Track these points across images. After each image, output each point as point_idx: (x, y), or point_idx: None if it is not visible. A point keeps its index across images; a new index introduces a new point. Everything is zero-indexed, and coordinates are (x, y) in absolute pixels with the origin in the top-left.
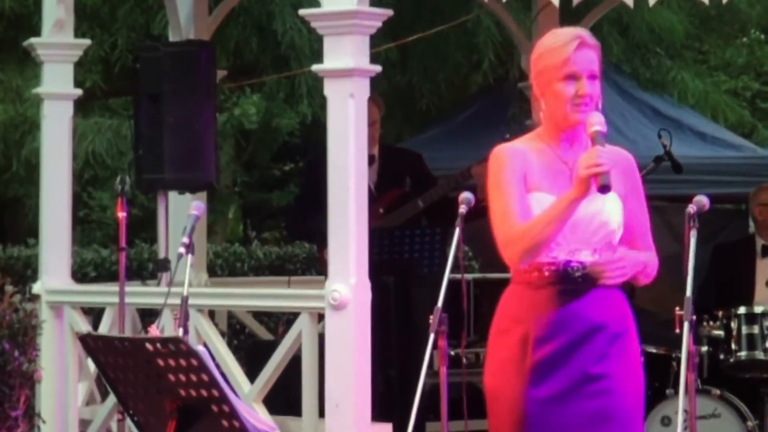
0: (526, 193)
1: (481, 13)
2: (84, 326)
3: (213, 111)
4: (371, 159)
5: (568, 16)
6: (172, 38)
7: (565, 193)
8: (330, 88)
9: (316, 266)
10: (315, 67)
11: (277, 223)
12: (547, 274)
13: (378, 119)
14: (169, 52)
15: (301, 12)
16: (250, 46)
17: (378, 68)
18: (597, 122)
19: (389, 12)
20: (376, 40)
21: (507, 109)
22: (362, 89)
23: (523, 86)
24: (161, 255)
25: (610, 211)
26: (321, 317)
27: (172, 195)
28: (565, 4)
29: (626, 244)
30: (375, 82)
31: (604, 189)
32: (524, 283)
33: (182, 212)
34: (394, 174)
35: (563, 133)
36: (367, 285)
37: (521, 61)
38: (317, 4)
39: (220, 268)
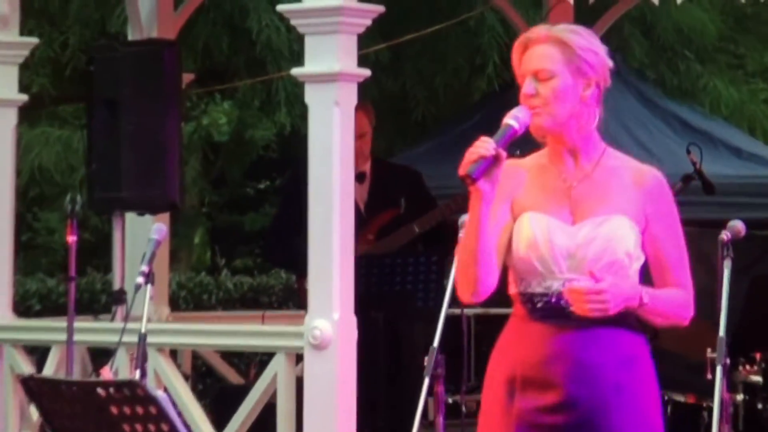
0: (499, 215)
1: (485, 9)
2: (26, 367)
3: (178, 120)
4: (361, 176)
5: (584, 14)
6: (131, 37)
7: None
8: (312, 95)
9: (294, 299)
10: (295, 71)
11: (251, 249)
12: (539, 306)
13: (369, 131)
14: (128, 53)
15: (280, 8)
16: (221, 46)
17: (367, 72)
18: (512, 115)
19: (380, 8)
20: (365, 40)
21: None
22: (349, 96)
23: None
24: (116, 286)
25: (615, 237)
26: (299, 358)
27: (130, 216)
28: (581, 1)
29: (656, 279)
30: (364, 88)
31: (467, 180)
32: (517, 315)
33: (141, 236)
34: (387, 194)
35: (557, 147)
36: (352, 321)
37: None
38: None
39: (184, 300)
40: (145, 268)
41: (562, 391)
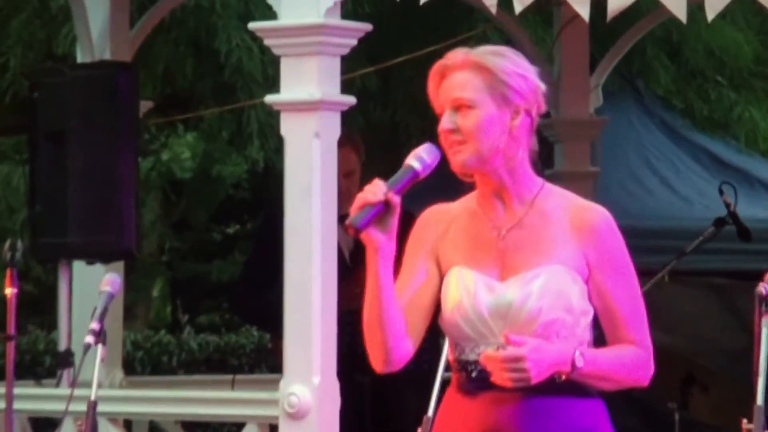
0: (417, 270)
1: (488, 28)
2: None
3: (134, 155)
4: (345, 219)
5: (601, 33)
6: (81, 59)
7: None
8: (288, 126)
9: (268, 361)
10: (269, 98)
11: (218, 303)
12: (474, 375)
13: (358, 168)
14: (77, 77)
15: (252, 26)
16: (184, 70)
17: (352, 100)
18: (416, 154)
19: (367, 26)
20: (350, 62)
21: None
22: (331, 127)
23: (542, 124)
24: (62, 346)
25: (550, 292)
26: (274, 429)
27: (78, 266)
28: (598, 18)
29: (608, 335)
30: (348, 118)
31: (350, 230)
32: (454, 385)
33: (91, 289)
34: None
35: (484, 189)
36: (335, 386)
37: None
38: (273, 16)
39: (140, 363)
40: (95, 325)
41: None
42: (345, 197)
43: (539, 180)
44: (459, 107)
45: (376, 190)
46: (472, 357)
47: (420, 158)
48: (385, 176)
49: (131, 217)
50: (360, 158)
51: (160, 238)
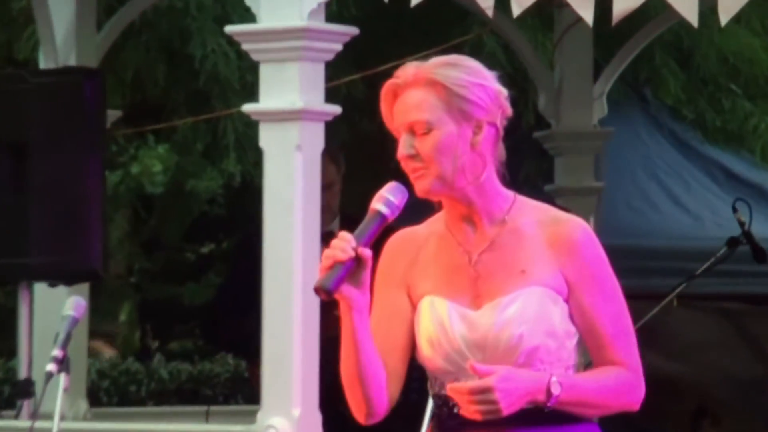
0: (388, 308)
1: (484, 32)
2: None
3: (101, 168)
4: (328, 237)
5: (606, 38)
6: (44, 65)
7: None
8: (268, 138)
9: (244, 391)
10: (247, 108)
11: (190, 328)
12: (455, 411)
13: (338, 180)
14: (40, 85)
15: (228, 29)
16: (156, 77)
17: (337, 109)
18: (381, 197)
19: (353, 30)
20: (334, 69)
21: (518, 167)
22: (314, 139)
23: (542, 136)
24: (22, 374)
25: (529, 318)
26: None
27: (40, 288)
28: (602, 22)
29: (593, 357)
30: (332, 128)
31: (321, 294)
32: (437, 423)
33: (53, 313)
34: None
35: (451, 211)
36: (317, 418)
37: (539, 99)
38: (251, 19)
39: (106, 393)
40: (58, 352)
41: None
42: (325, 211)
43: (509, 194)
44: (416, 130)
45: (344, 245)
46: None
47: (386, 201)
48: (373, 190)
49: (97, 236)
50: (339, 170)
51: (128, 258)
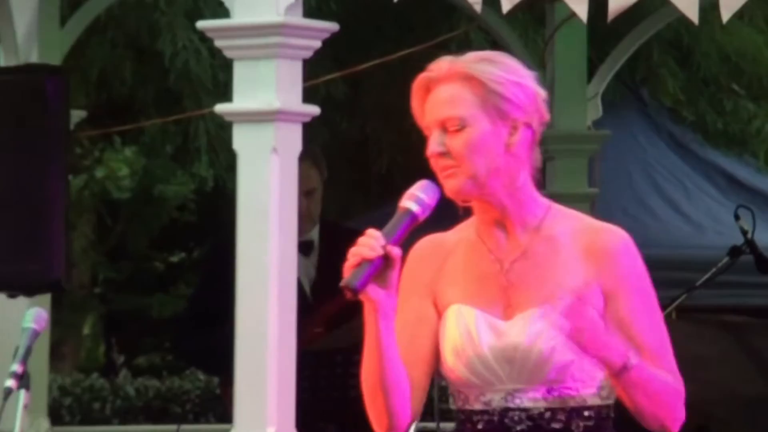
0: (413, 316)
1: (471, 28)
2: None
3: (63, 172)
4: (307, 247)
5: (601, 35)
6: (3, 62)
7: None
8: (242, 140)
9: (216, 409)
10: (219, 108)
11: (159, 342)
12: (480, 427)
13: (318, 186)
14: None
15: (200, 24)
16: (123, 75)
17: (316, 110)
18: (412, 195)
19: (333, 26)
20: (313, 67)
21: None
22: (291, 141)
23: None
24: None
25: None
26: None
27: None
28: (597, 18)
29: None
30: (311, 130)
31: (347, 292)
32: None
33: (13, 325)
34: (340, 270)
35: (483, 216)
36: None
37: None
38: (225, 14)
39: (68, 410)
40: (17, 367)
41: None
42: (305, 219)
43: (545, 202)
44: (448, 127)
45: (372, 243)
46: (477, 406)
47: (417, 199)
48: (352, 196)
49: (60, 244)
50: (322, 175)
51: (92, 267)
